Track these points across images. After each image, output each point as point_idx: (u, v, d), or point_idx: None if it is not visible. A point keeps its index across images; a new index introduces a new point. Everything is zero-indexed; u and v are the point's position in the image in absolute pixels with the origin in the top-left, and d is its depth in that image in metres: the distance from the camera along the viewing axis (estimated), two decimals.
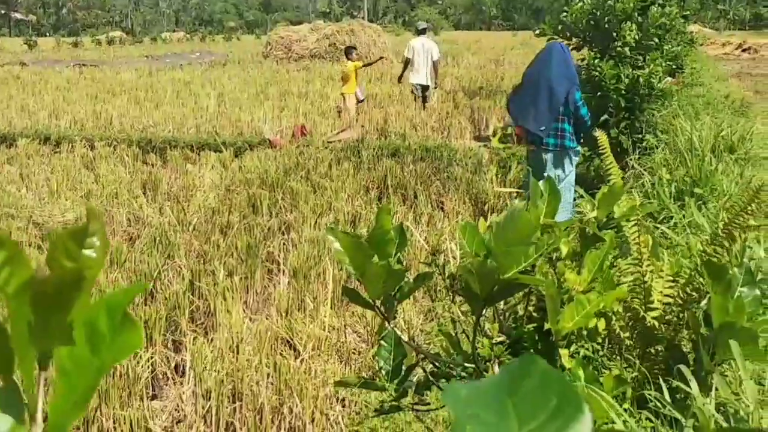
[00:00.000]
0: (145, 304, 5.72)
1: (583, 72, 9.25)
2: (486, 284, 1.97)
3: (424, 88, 16.05)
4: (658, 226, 4.65)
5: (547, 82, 7.30)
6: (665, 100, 9.44)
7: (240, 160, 11.28)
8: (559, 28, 9.74)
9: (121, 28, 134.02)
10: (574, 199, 7.38)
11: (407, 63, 15.92)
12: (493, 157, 11.15)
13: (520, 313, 2.50)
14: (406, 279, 2.04)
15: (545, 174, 7.23)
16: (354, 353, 5.18)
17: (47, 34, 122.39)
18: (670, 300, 2.54)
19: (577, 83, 7.46)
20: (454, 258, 4.94)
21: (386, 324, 2.14)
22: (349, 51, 15.88)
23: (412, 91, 16.29)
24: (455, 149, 11.44)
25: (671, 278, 2.59)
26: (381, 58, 17.36)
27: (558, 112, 7.29)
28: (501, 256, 1.91)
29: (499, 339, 2.33)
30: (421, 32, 16.15)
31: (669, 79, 11.01)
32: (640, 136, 9.07)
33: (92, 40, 68.68)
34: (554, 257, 2.41)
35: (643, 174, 6.22)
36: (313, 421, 4.26)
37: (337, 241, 1.93)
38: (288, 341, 5.23)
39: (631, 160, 7.98)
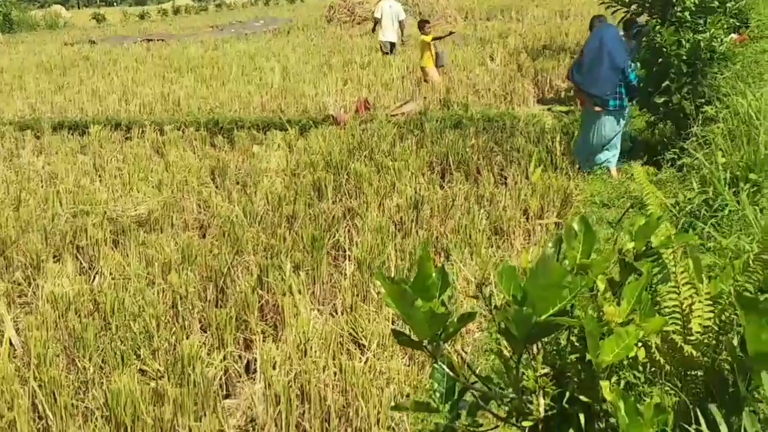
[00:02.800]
0: (216, 306, 5.93)
1: (643, 38, 9.39)
2: (523, 327, 2.12)
3: (392, 45, 19.13)
4: (714, 215, 4.67)
5: (608, 55, 8.83)
6: (728, 62, 9.28)
7: (305, 138, 11.41)
8: None
9: None
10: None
11: (376, 23, 18.79)
12: (556, 124, 11.10)
13: (563, 343, 2.58)
14: (450, 320, 2.18)
15: (605, 129, 9.13)
16: None
17: (114, 3, 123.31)
18: (709, 323, 2.59)
19: (629, 56, 9.17)
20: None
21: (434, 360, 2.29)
22: (422, 24, 16.59)
23: (381, 48, 19.19)
24: (518, 117, 11.43)
25: (711, 301, 2.64)
26: (451, 32, 18.29)
27: (618, 78, 8.88)
28: (536, 300, 2.06)
29: (544, 371, 2.42)
30: None
31: (734, 36, 10.78)
32: (702, 100, 8.97)
33: (158, 10, 69.23)
34: (594, 290, 2.48)
35: (698, 159, 6.16)
36: (378, 422, 4.41)
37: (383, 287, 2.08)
38: (353, 338, 5.38)
39: (693, 128, 7.94)
